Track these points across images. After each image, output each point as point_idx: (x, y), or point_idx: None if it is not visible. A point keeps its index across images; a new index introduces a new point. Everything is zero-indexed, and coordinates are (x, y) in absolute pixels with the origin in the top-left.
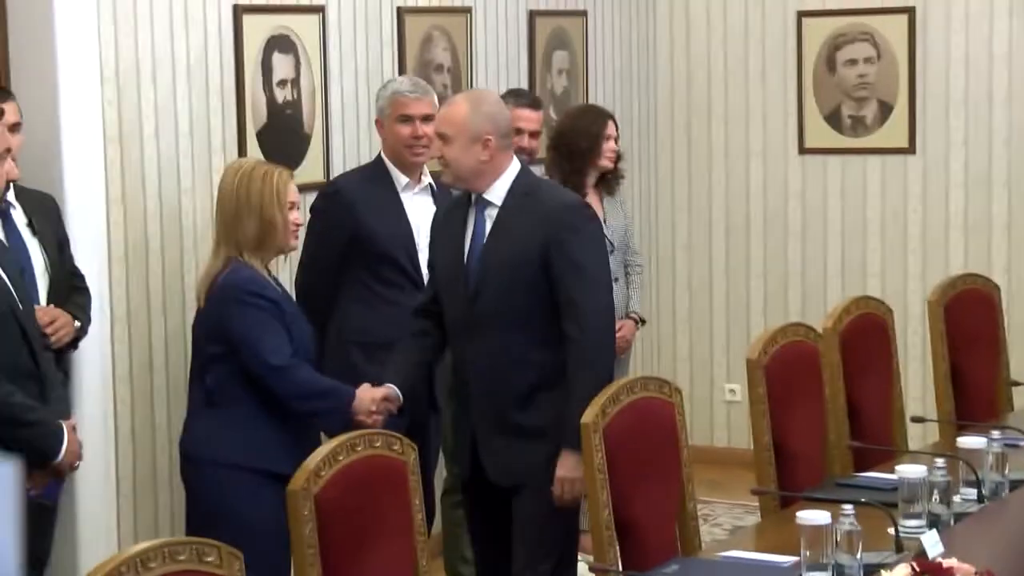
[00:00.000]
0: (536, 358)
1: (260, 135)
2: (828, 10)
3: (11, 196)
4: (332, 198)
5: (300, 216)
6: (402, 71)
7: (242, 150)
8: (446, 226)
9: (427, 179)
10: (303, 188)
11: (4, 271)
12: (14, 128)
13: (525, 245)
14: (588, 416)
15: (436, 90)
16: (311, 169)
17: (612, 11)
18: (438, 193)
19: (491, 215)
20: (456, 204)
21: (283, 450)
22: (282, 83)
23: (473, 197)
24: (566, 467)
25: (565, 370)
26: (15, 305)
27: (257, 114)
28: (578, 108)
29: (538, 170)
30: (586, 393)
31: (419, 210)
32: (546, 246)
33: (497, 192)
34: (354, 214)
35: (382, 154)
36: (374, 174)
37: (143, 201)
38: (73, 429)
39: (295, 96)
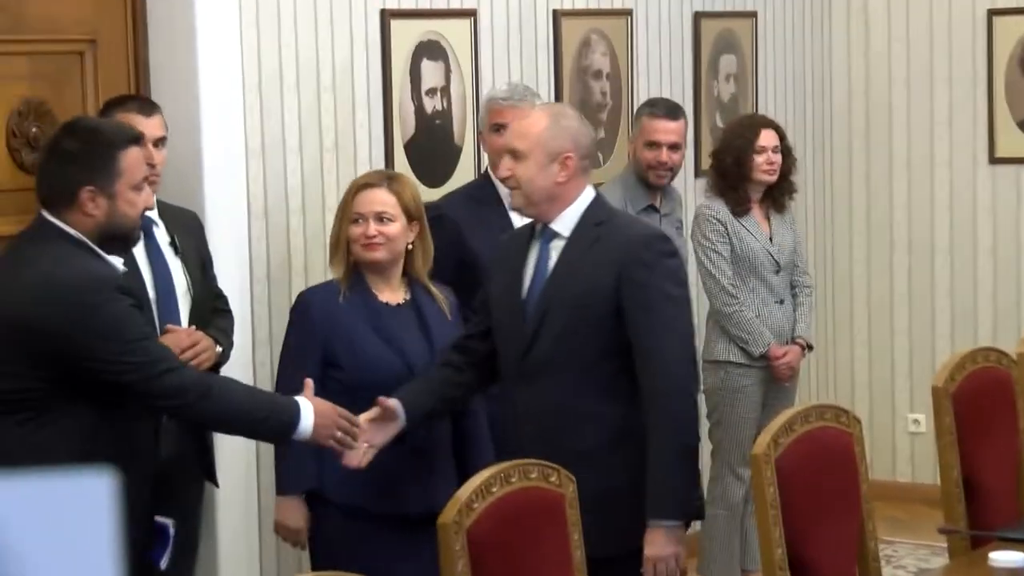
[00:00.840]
0: (602, 412)
1: (408, 147)
2: (1022, 8)
3: (154, 213)
4: (436, 222)
5: (371, 228)
6: (558, 78)
7: (389, 163)
8: (505, 258)
9: None
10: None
11: (143, 294)
12: (159, 143)
13: (593, 282)
14: (760, 447)
15: (594, 98)
16: (461, 182)
17: (784, 11)
18: None
19: (557, 247)
20: (517, 235)
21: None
22: (431, 92)
23: (538, 228)
24: (656, 544)
25: (637, 427)
26: (150, 331)
27: (405, 125)
28: (734, 119)
29: (681, 183)
30: (666, 456)
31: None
32: (616, 284)
33: (566, 222)
34: (460, 238)
35: (488, 170)
36: (481, 193)
37: (286, 217)
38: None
39: (445, 105)
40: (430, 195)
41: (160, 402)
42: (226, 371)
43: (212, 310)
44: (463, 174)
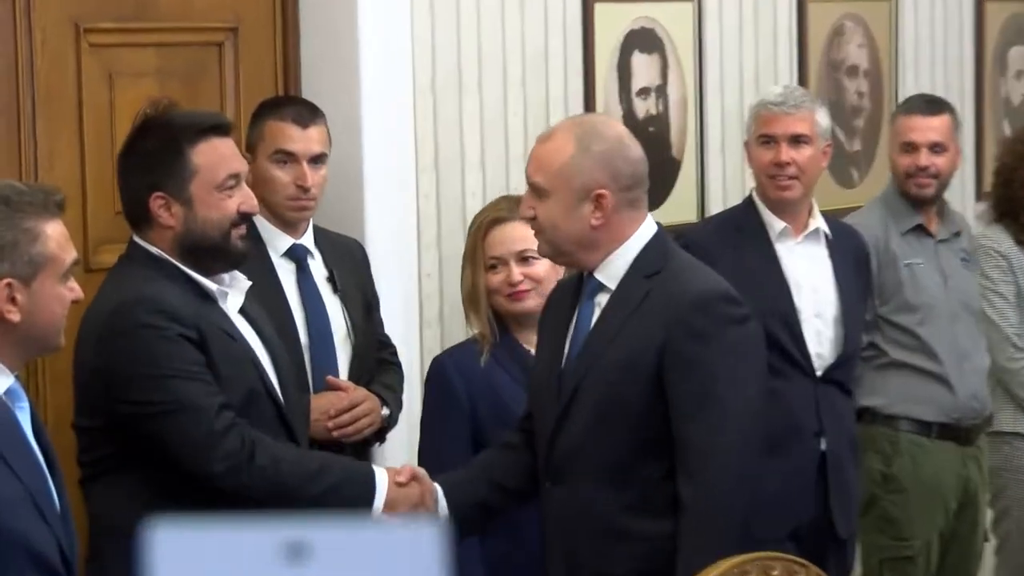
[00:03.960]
0: (638, 530)
1: None
2: None
3: (309, 240)
4: None
5: (515, 273)
6: (802, 74)
7: None
8: (552, 315)
9: (817, 222)
10: (669, 230)
11: (292, 338)
12: (317, 160)
13: (632, 354)
14: None
15: (848, 100)
16: (680, 205)
17: None
18: (834, 241)
19: (600, 303)
20: (567, 285)
21: None
22: (644, 92)
23: (585, 276)
24: None
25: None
26: (269, 385)
27: None
28: (1018, 129)
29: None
30: None
31: (803, 266)
32: (660, 357)
33: (613, 270)
34: None
35: (753, 192)
36: (742, 219)
37: (463, 247)
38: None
39: (661, 109)
40: None
41: (191, 464)
42: (392, 437)
43: (377, 361)
44: (683, 194)
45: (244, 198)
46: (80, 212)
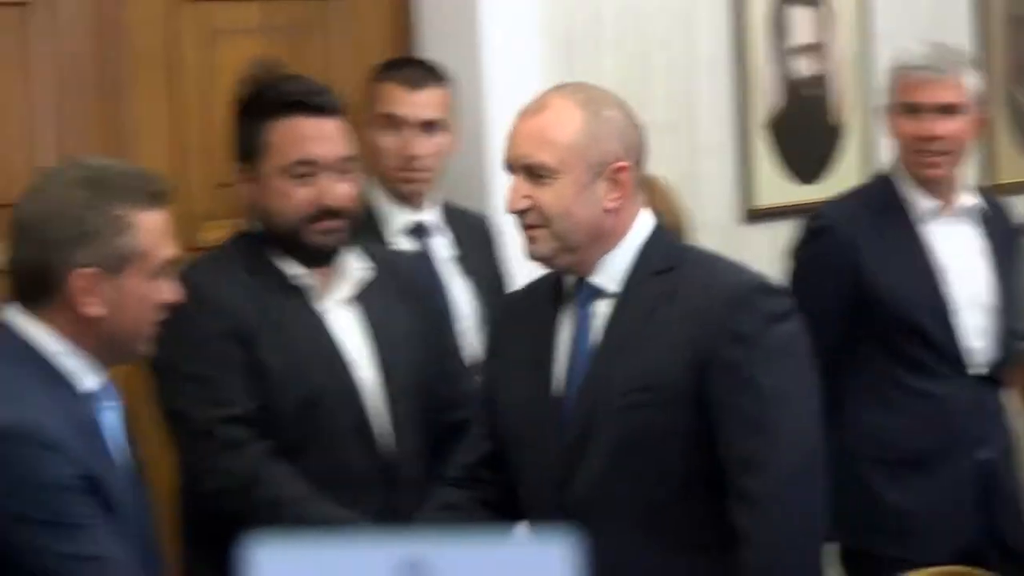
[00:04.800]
0: (689, 568)
1: (770, 127)
2: None
3: (433, 215)
4: (821, 239)
5: None
6: (984, 32)
7: (743, 147)
8: (517, 331)
9: (968, 197)
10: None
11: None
12: (429, 127)
13: (658, 370)
14: None
15: None
16: (842, 177)
17: None
18: (991, 214)
19: (601, 313)
20: (532, 294)
21: None
22: (802, 50)
23: (567, 283)
24: None
25: None
26: (351, 388)
27: (765, 96)
28: None
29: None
30: None
31: (953, 248)
32: (698, 369)
33: (612, 271)
34: (854, 261)
35: (894, 165)
36: (879, 196)
37: None
38: None
39: (821, 69)
40: (801, 194)
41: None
42: None
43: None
44: (846, 165)
45: (323, 190)
46: (179, 185)
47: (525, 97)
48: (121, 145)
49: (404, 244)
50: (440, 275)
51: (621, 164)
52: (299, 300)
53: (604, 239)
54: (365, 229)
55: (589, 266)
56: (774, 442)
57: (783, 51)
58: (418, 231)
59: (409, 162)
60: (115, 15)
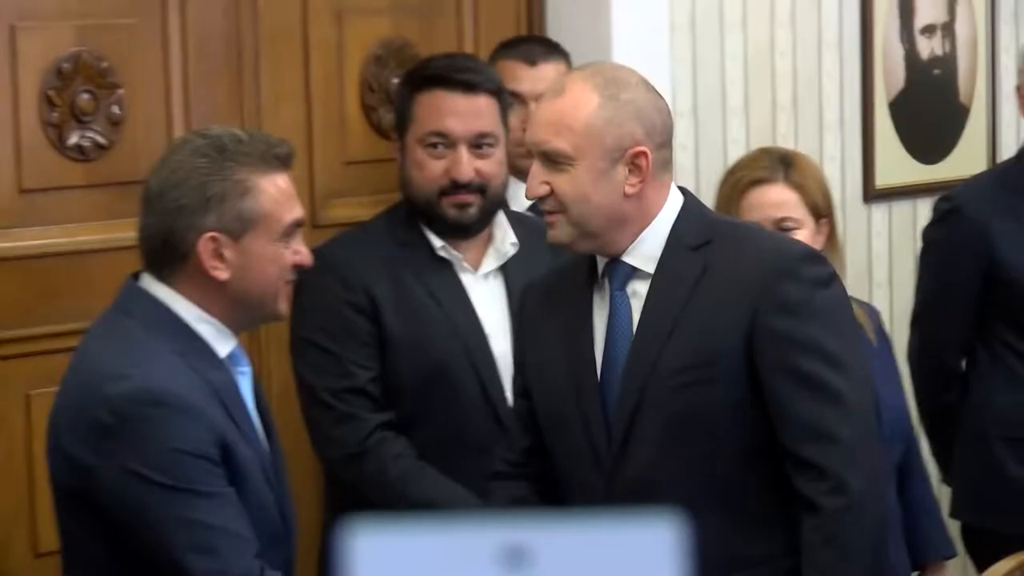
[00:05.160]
0: (751, 554)
1: (894, 107)
2: None
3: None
4: (950, 219)
5: None
6: None
7: (867, 126)
8: (549, 321)
9: None
10: (954, 186)
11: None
12: None
13: (705, 348)
14: None
15: None
16: (968, 157)
17: None
18: None
19: (638, 292)
20: (560, 279)
21: None
22: (928, 30)
23: (600, 264)
24: None
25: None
26: (478, 360)
27: (890, 76)
28: None
29: None
30: None
31: None
32: (746, 342)
33: (646, 250)
34: (987, 243)
35: None
36: (1018, 176)
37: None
38: None
39: (948, 49)
40: (924, 174)
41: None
42: None
43: None
44: (971, 145)
45: (454, 163)
46: (307, 163)
47: (652, 76)
48: (252, 123)
49: None
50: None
51: (640, 149)
52: (445, 271)
53: (627, 223)
54: None
55: (618, 248)
56: (840, 409)
57: (909, 31)
58: (538, 210)
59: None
60: None
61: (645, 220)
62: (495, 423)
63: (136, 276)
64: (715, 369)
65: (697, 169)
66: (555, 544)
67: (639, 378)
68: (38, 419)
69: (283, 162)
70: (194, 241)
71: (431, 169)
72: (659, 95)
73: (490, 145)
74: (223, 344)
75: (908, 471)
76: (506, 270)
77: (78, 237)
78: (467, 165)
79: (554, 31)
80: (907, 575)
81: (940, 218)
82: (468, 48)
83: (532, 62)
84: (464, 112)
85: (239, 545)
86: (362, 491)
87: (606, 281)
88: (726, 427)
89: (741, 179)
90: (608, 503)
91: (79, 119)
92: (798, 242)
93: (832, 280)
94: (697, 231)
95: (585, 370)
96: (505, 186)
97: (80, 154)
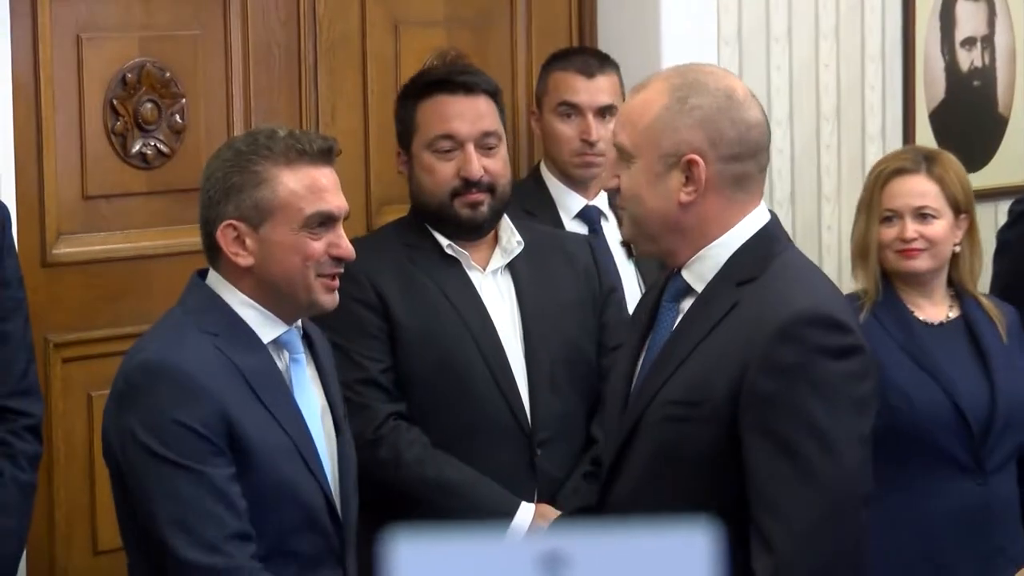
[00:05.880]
0: None
1: (935, 116)
2: None
3: (602, 200)
4: (1022, 221)
5: (909, 230)
6: None
7: (908, 135)
8: (635, 320)
9: None
10: (993, 194)
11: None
12: (604, 112)
13: (704, 384)
14: None
15: None
16: (1006, 166)
17: None
18: None
19: (683, 310)
20: (654, 287)
21: None
22: (969, 42)
23: (670, 273)
24: None
25: None
26: (488, 355)
27: (931, 87)
28: None
29: None
30: None
31: None
32: (735, 393)
33: (702, 269)
34: None
35: None
36: None
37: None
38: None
39: (987, 61)
40: None
41: None
42: None
43: None
44: (1010, 154)
45: (463, 164)
46: (362, 169)
47: None
48: (311, 129)
49: (576, 229)
50: (611, 259)
51: (693, 157)
52: (453, 268)
53: (684, 234)
54: (542, 213)
55: (677, 259)
56: (805, 485)
57: (950, 43)
58: (588, 215)
59: (588, 147)
60: (311, 6)
61: (706, 236)
62: (510, 415)
63: (203, 273)
64: (699, 411)
65: None
66: (592, 551)
67: (646, 398)
68: (99, 420)
69: (312, 156)
70: (217, 229)
71: (442, 172)
72: (749, 108)
73: (495, 144)
74: (269, 329)
75: None
76: (514, 268)
77: (140, 243)
78: (476, 163)
79: (604, 43)
80: None
81: (1015, 220)
82: (521, 59)
83: (590, 74)
84: (468, 113)
85: (209, 521)
86: (379, 477)
87: (667, 291)
88: (698, 474)
89: (884, 169)
90: (603, 509)
91: (142, 128)
92: (823, 303)
93: (848, 353)
94: (751, 264)
95: (620, 385)
96: (510, 185)
97: (143, 162)
